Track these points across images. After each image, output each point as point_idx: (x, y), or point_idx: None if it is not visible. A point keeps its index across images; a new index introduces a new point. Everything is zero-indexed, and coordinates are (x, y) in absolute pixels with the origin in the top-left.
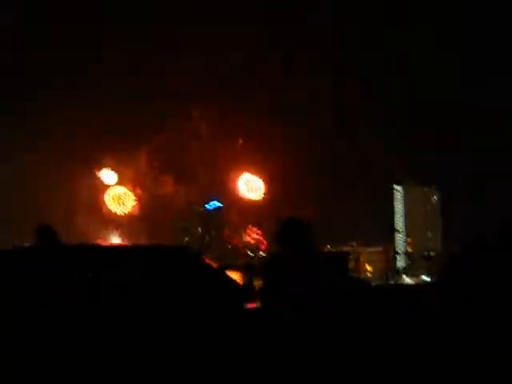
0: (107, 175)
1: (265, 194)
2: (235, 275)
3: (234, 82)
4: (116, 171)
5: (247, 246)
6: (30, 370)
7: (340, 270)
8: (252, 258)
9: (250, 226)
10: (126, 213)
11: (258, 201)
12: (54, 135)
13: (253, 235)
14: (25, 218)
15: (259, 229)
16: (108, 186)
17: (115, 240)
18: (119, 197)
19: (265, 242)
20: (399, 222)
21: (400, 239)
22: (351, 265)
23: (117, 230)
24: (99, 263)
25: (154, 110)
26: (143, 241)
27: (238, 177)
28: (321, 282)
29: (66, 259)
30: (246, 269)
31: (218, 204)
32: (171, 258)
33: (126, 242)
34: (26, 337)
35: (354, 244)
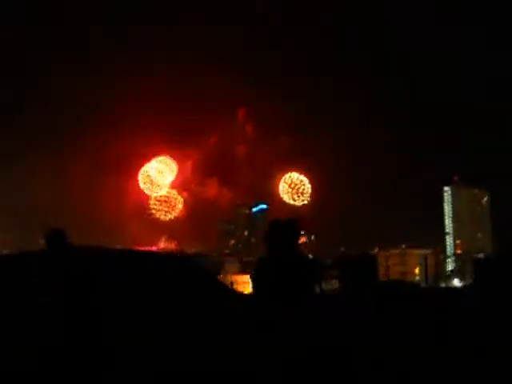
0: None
1: (310, 197)
2: None
3: (278, 83)
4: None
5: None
6: (46, 373)
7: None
8: None
9: None
10: (173, 218)
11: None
12: (100, 143)
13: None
14: (76, 225)
15: (305, 232)
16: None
17: (163, 244)
18: (166, 200)
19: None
20: (448, 223)
21: (449, 241)
22: (398, 268)
23: (166, 235)
24: (102, 266)
25: (199, 113)
26: (190, 244)
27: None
28: (295, 287)
29: (74, 263)
30: None
31: (263, 206)
32: (165, 265)
33: (173, 246)
34: (29, 340)
35: (404, 246)
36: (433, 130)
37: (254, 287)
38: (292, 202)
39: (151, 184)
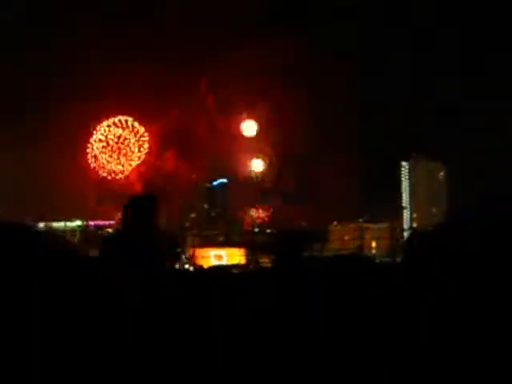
0: None
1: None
2: (239, 252)
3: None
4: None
5: (253, 223)
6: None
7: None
8: (256, 234)
9: (256, 204)
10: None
11: (263, 177)
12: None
13: (258, 212)
14: (30, 194)
15: (265, 205)
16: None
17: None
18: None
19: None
20: (405, 198)
21: (406, 215)
22: (355, 242)
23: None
24: None
25: (160, 86)
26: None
27: (244, 156)
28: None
29: None
30: (251, 246)
31: (223, 180)
32: None
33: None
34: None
35: (361, 220)
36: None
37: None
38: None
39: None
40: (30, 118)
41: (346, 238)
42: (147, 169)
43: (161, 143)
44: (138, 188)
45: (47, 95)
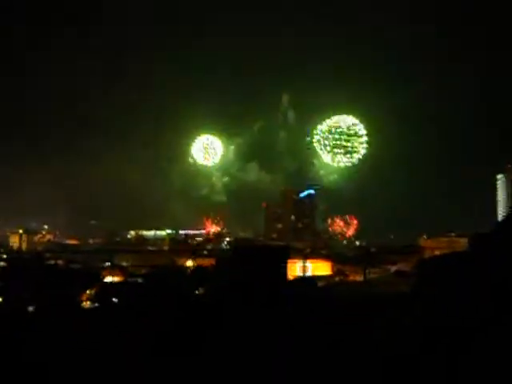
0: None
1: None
2: (326, 263)
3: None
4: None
5: (339, 234)
6: None
7: None
8: (347, 247)
9: (340, 216)
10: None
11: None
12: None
13: (341, 223)
14: (127, 205)
15: (350, 217)
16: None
17: (211, 227)
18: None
19: (351, 231)
20: (501, 210)
21: None
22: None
23: (213, 216)
24: None
25: (244, 100)
26: (237, 227)
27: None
28: None
29: None
30: (337, 258)
31: (311, 192)
32: None
33: (221, 228)
34: None
35: (453, 234)
36: (485, 119)
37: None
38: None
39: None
40: (124, 131)
41: (437, 252)
42: (231, 180)
43: (244, 156)
44: (223, 198)
45: (142, 111)
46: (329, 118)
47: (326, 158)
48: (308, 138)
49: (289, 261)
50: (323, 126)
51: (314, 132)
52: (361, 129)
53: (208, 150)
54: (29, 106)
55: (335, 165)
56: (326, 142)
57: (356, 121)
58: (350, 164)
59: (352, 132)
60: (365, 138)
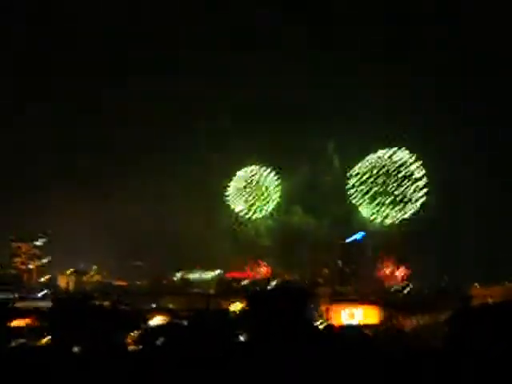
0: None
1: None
2: (374, 311)
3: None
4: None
5: (389, 279)
6: None
7: None
8: (397, 292)
9: (388, 260)
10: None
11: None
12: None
13: (392, 269)
14: (173, 247)
15: (401, 262)
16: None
17: (258, 269)
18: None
19: (403, 276)
20: None
21: None
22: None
23: (259, 259)
24: None
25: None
26: (283, 271)
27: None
28: None
29: None
30: (387, 305)
31: (358, 236)
32: None
33: (268, 271)
34: None
35: (507, 283)
36: None
37: None
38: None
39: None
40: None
41: (490, 300)
42: (275, 222)
43: (288, 199)
44: (267, 242)
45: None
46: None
47: (364, 210)
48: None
49: (334, 307)
50: (362, 166)
51: (350, 175)
52: (417, 169)
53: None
54: (80, 152)
55: (378, 219)
56: (363, 188)
57: (409, 156)
58: (398, 220)
59: (403, 173)
60: (422, 182)
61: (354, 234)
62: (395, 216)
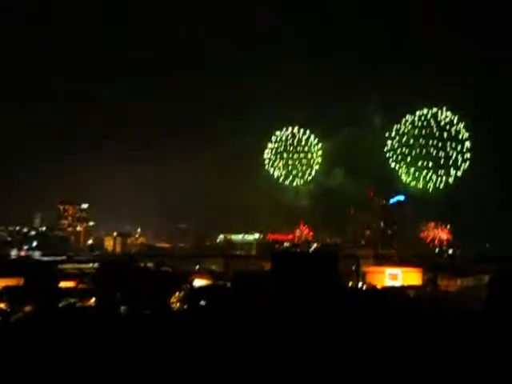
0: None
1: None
2: (416, 272)
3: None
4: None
5: (431, 242)
6: None
7: None
8: (439, 255)
9: (433, 222)
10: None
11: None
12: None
13: (434, 230)
14: (216, 208)
15: (443, 223)
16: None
17: (298, 232)
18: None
19: (448, 237)
20: None
21: None
22: None
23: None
24: None
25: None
26: (325, 233)
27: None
28: None
29: None
30: (430, 267)
31: (400, 198)
32: None
33: (308, 234)
34: None
35: None
36: None
37: None
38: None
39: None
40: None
41: None
42: (316, 185)
43: (330, 161)
44: (307, 203)
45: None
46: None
47: (404, 175)
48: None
49: (377, 269)
50: (402, 126)
51: (390, 136)
52: (461, 130)
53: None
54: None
55: (420, 184)
56: (404, 151)
57: (451, 115)
58: (442, 183)
59: (445, 135)
60: (467, 144)
61: (396, 195)
62: (439, 180)
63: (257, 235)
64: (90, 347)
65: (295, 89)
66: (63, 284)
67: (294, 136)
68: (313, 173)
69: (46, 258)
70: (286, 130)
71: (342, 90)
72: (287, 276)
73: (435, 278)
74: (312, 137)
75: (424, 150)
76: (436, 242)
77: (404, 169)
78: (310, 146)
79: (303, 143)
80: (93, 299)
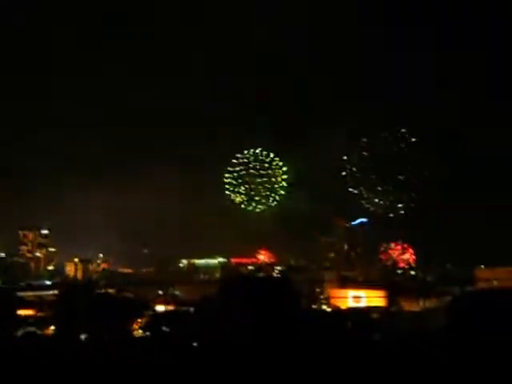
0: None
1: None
2: (380, 294)
3: None
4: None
5: (395, 264)
6: None
7: None
8: (400, 275)
9: (395, 243)
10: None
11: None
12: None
13: (398, 252)
14: (178, 233)
15: (406, 244)
16: None
17: (263, 256)
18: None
19: (411, 259)
20: None
21: None
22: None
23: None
24: None
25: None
26: (289, 256)
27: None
28: None
29: None
30: (392, 288)
31: (363, 220)
32: None
33: (272, 257)
34: None
35: None
36: None
37: None
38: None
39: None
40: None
41: (495, 282)
42: (280, 208)
43: (294, 184)
44: (271, 228)
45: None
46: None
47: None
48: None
49: (341, 290)
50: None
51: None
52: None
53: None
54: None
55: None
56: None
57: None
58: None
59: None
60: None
61: (359, 217)
62: (397, 200)
63: (220, 259)
64: (49, 376)
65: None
66: (22, 312)
67: (256, 159)
68: (277, 197)
69: (4, 285)
70: (248, 152)
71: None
72: (234, 301)
73: (399, 300)
74: (277, 159)
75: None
76: (399, 263)
77: (365, 193)
78: (274, 169)
79: (266, 166)
80: (52, 327)
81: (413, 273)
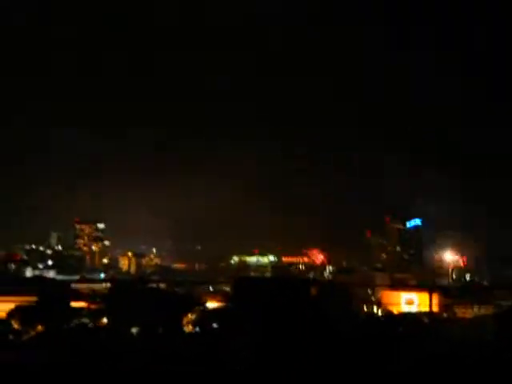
0: None
1: None
2: (433, 298)
3: None
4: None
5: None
6: None
7: None
8: (455, 280)
9: (449, 247)
10: None
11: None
12: None
13: (451, 255)
14: (231, 231)
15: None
16: None
17: (313, 256)
18: None
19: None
20: None
21: None
22: None
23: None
24: None
25: None
26: (339, 255)
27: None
28: None
29: None
30: (446, 292)
31: (417, 222)
32: None
33: (324, 256)
34: None
35: None
36: None
37: None
38: None
39: None
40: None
41: None
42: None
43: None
44: (324, 225)
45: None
46: None
47: None
48: None
49: (393, 293)
50: None
51: None
52: None
53: None
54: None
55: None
56: None
57: None
58: None
59: None
60: None
61: (414, 219)
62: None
63: (271, 257)
64: (100, 368)
65: None
66: (75, 304)
67: None
68: None
69: (60, 277)
70: None
71: None
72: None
73: (453, 304)
74: None
75: None
76: (451, 266)
77: None
78: None
79: None
80: (104, 319)
81: (468, 277)
